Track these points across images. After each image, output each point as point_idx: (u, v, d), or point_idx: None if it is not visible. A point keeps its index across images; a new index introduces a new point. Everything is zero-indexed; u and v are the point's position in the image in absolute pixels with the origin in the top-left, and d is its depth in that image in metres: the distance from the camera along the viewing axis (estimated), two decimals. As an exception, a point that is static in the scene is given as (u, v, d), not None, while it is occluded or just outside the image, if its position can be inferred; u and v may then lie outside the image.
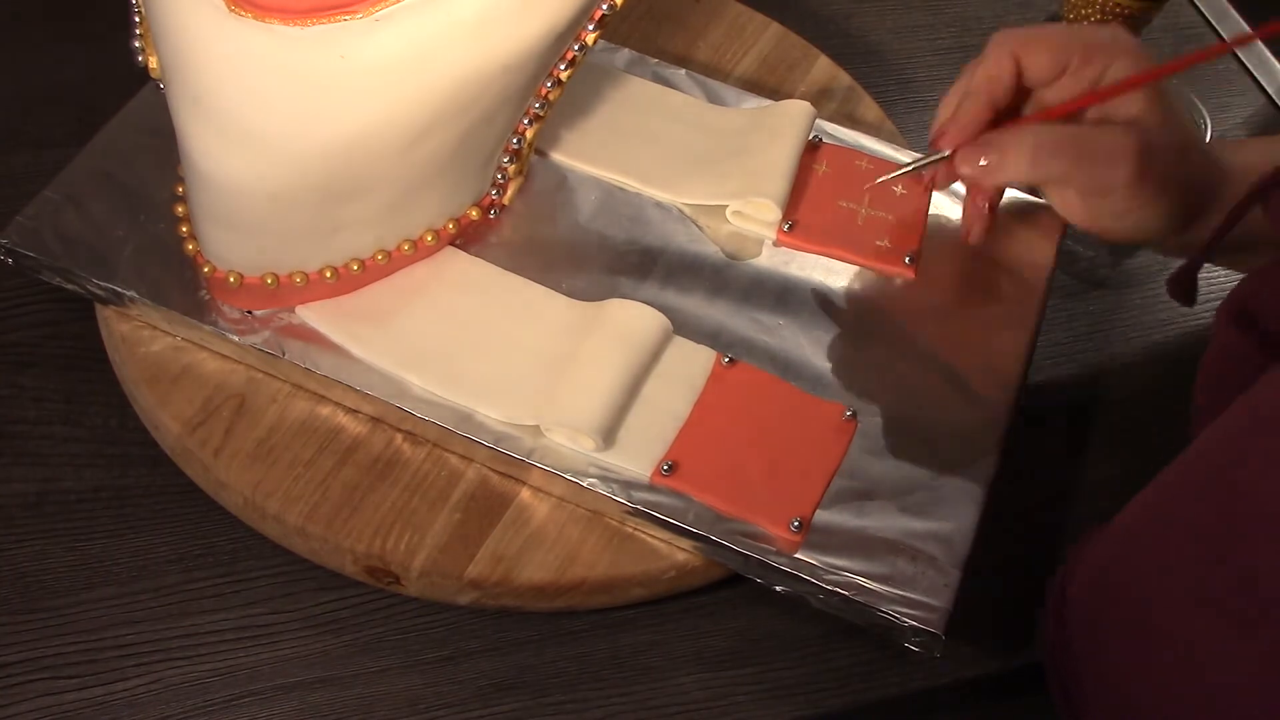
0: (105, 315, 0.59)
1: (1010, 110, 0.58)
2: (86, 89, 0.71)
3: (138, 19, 0.56)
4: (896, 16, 0.87)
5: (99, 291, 0.58)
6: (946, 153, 0.58)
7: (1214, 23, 0.90)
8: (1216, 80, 0.87)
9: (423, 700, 0.54)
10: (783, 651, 0.57)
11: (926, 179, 0.63)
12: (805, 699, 0.56)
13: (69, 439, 0.59)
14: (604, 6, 0.55)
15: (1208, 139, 0.73)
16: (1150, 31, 0.87)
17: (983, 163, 0.56)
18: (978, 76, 0.57)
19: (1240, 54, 0.88)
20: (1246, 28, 0.90)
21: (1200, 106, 0.75)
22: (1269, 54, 0.88)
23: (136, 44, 0.57)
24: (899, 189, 0.64)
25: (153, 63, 0.56)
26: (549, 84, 0.58)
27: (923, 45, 0.85)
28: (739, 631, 0.58)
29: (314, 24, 0.50)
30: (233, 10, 0.50)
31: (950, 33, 0.86)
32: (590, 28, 0.56)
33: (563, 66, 0.57)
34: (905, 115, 0.80)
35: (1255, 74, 0.87)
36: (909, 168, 0.61)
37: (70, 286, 0.59)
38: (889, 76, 0.83)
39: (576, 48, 0.57)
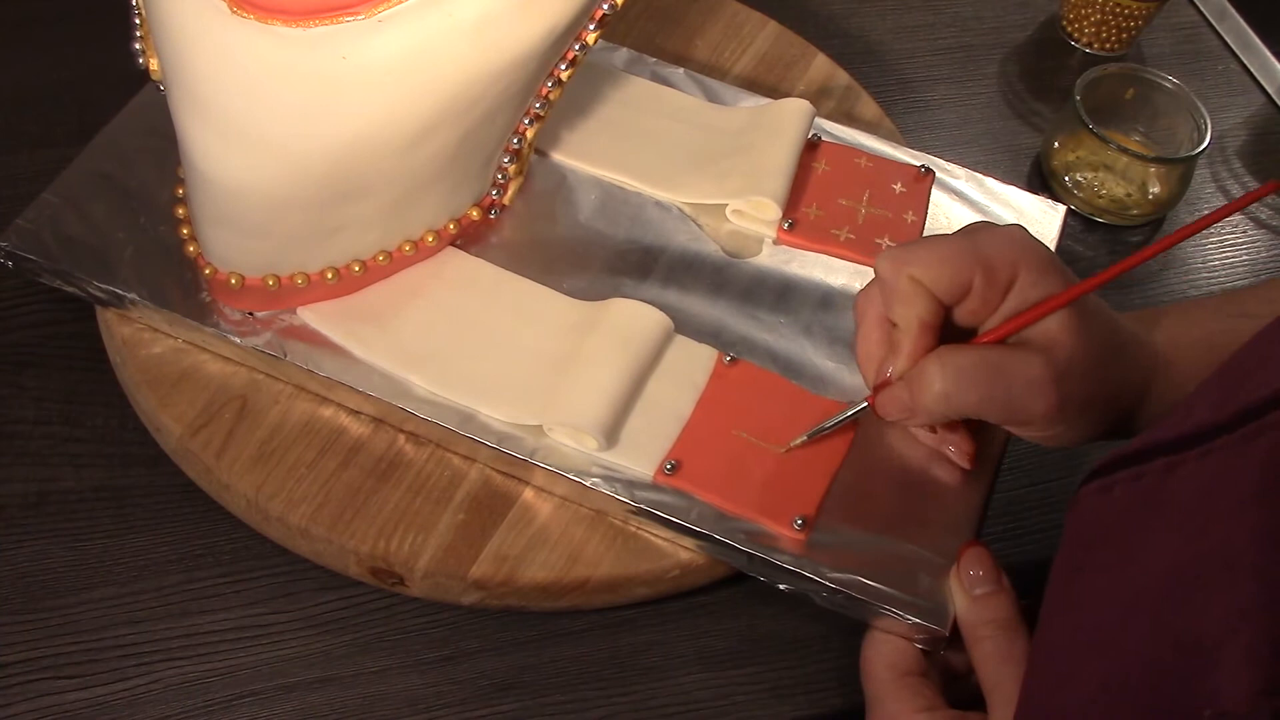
0: (106, 318, 0.59)
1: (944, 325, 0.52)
2: (86, 89, 0.71)
3: (138, 20, 0.56)
4: (896, 16, 0.87)
5: (99, 294, 0.58)
6: (864, 405, 0.53)
7: (1214, 22, 0.90)
8: (1216, 81, 0.87)
9: (423, 700, 0.54)
10: (784, 651, 0.57)
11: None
12: (806, 699, 0.56)
13: (69, 439, 0.59)
14: (604, 6, 0.55)
15: (1207, 140, 0.73)
16: (1150, 31, 0.87)
17: (898, 410, 0.52)
18: (903, 315, 0.51)
19: (1240, 55, 0.88)
20: (1246, 28, 0.90)
21: (1201, 107, 0.75)
22: (1269, 54, 0.88)
23: (137, 46, 0.57)
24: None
25: (153, 64, 0.56)
26: (549, 84, 0.58)
27: (922, 45, 0.85)
28: (740, 631, 0.58)
29: (316, 25, 0.50)
30: (234, 12, 0.50)
31: (950, 32, 0.86)
32: (591, 27, 0.56)
33: (563, 66, 0.57)
34: (904, 114, 0.81)
35: (1255, 74, 0.87)
36: (832, 423, 0.55)
37: (70, 289, 0.59)
38: (888, 75, 0.83)
39: (577, 47, 0.57)
